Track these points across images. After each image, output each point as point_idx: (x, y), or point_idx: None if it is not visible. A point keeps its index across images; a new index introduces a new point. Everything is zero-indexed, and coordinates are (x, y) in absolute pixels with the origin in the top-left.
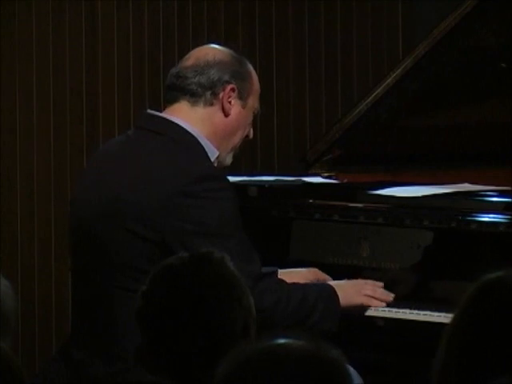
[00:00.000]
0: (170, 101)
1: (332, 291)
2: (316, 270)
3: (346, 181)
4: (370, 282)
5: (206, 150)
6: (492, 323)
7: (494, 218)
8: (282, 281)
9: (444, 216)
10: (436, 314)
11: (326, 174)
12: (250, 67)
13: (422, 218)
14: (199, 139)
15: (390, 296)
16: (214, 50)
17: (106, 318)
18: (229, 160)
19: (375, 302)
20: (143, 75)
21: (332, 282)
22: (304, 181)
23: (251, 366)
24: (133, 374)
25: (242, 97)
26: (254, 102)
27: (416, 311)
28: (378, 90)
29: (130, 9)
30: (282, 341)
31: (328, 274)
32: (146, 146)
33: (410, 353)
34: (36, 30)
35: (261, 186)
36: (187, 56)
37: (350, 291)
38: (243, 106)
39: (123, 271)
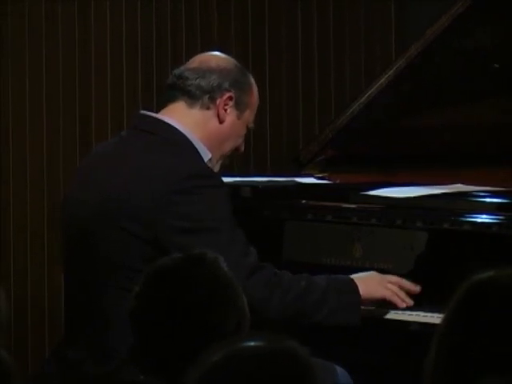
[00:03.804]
0: (168, 100)
1: (350, 283)
2: None
3: (338, 181)
4: (396, 277)
5: (199, 150)
6: (482, 323)
7: (486, 218)
8: (282, 272)
9: (437, 217)
10: (429, 314)
11: (318, 175)
12: (252, 81)
13: (415, 219)
14: (192, 140)
15: (417, 288)
16: (218, 57)
17: (100, 317)
18: (217, 168)
19: (397, 300)
20: (136, 75)
21: (355, 275)
22: (297, 181)
23: (215, 373)
24: (127, 373)
25: (239, 107)
26: (250, 115)
27: (408, 312)
28: (371, 91)
29: (122, 8)
30: (239, 343)
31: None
32: (138, 145)
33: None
34: (29, 32)
35: (254, 186)
36: (192, 59)
37: (372, 283)
38: (238, 117)
39: (117, 270)
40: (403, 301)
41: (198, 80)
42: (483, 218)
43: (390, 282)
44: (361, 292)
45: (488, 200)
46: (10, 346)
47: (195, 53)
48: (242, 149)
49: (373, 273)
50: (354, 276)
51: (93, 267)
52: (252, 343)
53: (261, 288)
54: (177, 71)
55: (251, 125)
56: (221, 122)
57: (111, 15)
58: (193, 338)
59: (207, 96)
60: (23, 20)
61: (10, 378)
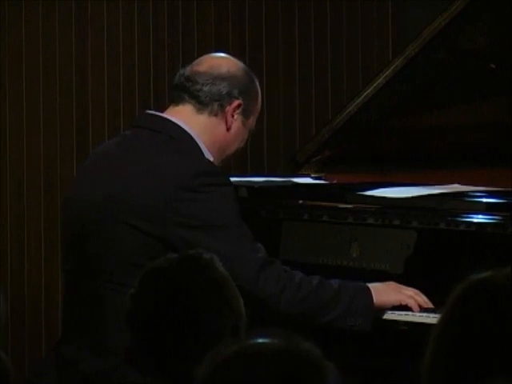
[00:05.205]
0: (176, 101)
1: (364, 288)
2: None
3: (335, 181)
4: (413, 289)
5: (203, 152)
6: (479, 323)
7: (482, 218)
8: (293, 271)
9: (433, 217)
10: (425, 314)
11: (315, 175)
12: (258, 87)
13: (411, 219)
14: (197, 142)
15: (430, 304)
16: (228, 63)
17: (98, 316)
18: None
19: (413, 303)
20: (133, 74)
21: (371, 284)
22: (294, 181)
23: (227, 369)
24: (124, 372)
25: (245, 114)
26: (253, 120)
27: (404, 312)
28: (368, 91)
29: (119, 10)
30: (253, 340)
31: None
32: (144, 144)
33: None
34: (26, 33)
35: (251, 186)
36: (200, 60)
37: (386, 289)
38: (244, 124)
39: (122, 268)
40: (420, 304)
41: (208, 86)
42: (479, 218)
43: (409, 288)
44: (376, 298)
45: (484, 200)
46: (7, 346)
47: (192, 53)
48: (240, 147)
49: (391, 282)
50: (370, 284)
51: (98, 265)
52: (266, 341)
53: (272, 282)
54: (185, 72)
55: (252, 128)
56: (228, 128)
57: (108, 14)
58: (189, 339)
59: (217, 104)
60: (20, 19)
61: (8, 378)
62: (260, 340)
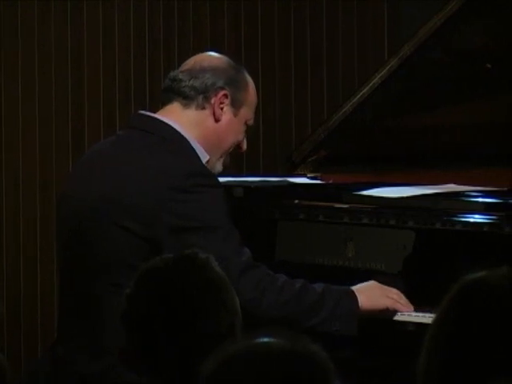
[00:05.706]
0: (164, 102)
1: (349, 292)
2: None
3: (331, 181)
4: (396, 290)
5: (197, 151)
6: (474, 323)
7: (478, 218)
8: (277, 274)
9: (429, 216)
10: (421, 314)
11: (311, 175)
12: (248, 78)
13: (407, 219)
14: (190, 141)
15: (410, 305)
16: (211, 57)
17: (94, 316)
18: (219, 167)
19: (400, 306)
20: (128, 74)
21: (355, 286)
22: (290, 181)
23: (232, 367)
24: (119, 372)
25: (235, 105)
26: (247, 112)
27: (400, 312)
28: (364, 91)
29: (115, 10)
30: (260, 340)
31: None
32: (136, 144)
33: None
34: (21, 33)
35: (246, 186)
36: (186, 62)
37: (373, 293)
38: (235, 114)
39: (118, 268)
40: (405, 307)
41: (191, 81)
42: (475, 218)
43: (391, 289)
44: (362, 303)
45: (480, 200)
46: (2, 345)
47: (188, 54)
48: (244, 147)
49: (373, 283)
50: (354, 287)
51: (92, 265)
52: (272, 340)
53: (252, 287)
54: (171, 74)
55: (250, 122)
56: (217, 120)
57: (104, 14)
58: (184, 339)
59: (201, 96)
60: (16, 20)
61: (4, 378)
62: (266, 339)
